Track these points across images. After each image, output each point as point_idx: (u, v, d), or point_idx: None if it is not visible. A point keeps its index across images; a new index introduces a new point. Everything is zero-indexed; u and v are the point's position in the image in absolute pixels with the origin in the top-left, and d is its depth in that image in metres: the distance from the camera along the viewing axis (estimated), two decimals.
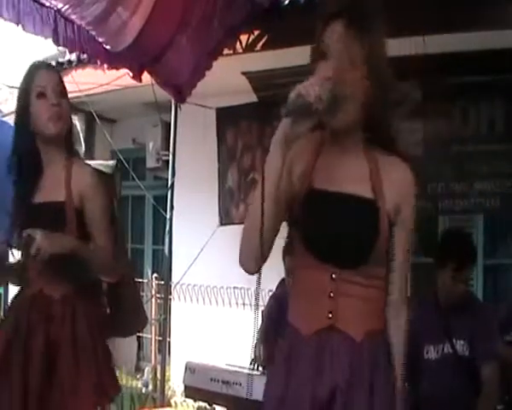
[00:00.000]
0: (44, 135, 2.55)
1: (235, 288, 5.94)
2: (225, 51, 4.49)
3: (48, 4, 3.66)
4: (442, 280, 3.28)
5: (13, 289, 8.77)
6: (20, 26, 3.49)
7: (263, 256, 1.70)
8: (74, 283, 2.50)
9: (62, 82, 2.64)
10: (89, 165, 2.69)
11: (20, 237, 2.47)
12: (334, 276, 1.72)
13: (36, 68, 2.62)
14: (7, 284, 8.59)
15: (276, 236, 1.74)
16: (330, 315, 1.72)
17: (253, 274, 1.75)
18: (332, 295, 1.72)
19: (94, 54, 4.17)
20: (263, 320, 4.47)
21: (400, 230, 1.77)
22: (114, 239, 3.39)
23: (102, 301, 2.87)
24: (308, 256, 1.75)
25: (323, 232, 1.74)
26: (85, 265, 2.47)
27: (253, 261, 1.72)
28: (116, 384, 2.62)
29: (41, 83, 2.56)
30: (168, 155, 5.18)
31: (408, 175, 1.79)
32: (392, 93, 1.78)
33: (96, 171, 2.67)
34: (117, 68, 4.32)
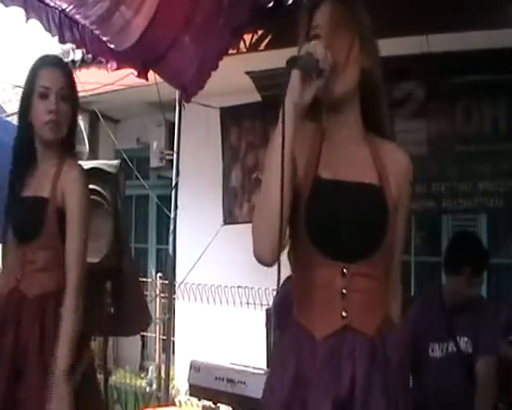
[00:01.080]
0: (40, 137, 2.53)
1: (239, 287, 5.95)
2: (229, 51, 4.50)
3: (52, 4, 3.68)
4: (455, 285, 3.28)
5: None
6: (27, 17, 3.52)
7: (281, 241, 1.58)
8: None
9: (70, 82, 2.56)
10: (79, 165, 2.60)
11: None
12: (345, 271, 1.65)
13: (43, 64, 2.55)
14: None
15: (288, 220, 1.64)
16: (344, 314, 1.65)
17: (269, 266, 1.62)
18: (344, 291, 1.65)
19: (98, 53, 4.19)
20: (268, 319, 4.49)
21: (400, 215, 1.75)
22: (117, 238, 3.41)
23: (106, 301, 2.87)
24: (315, 252, 1.66)
25: (333, 223, 1.66)
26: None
27: (270, 249, 1.58)
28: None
29: (45, 83, 2.49)
30: (172, 155, 5.19)
31: (407, 161, 1.80)
32: (380, 75, 1.77)
33: (84, 172, 2.60)
34: (121, 68, 4.33)
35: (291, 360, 1.69)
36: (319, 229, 1.67)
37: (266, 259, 1.62)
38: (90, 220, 2.55)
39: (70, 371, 2.30)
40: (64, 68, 2.61)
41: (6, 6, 3.43)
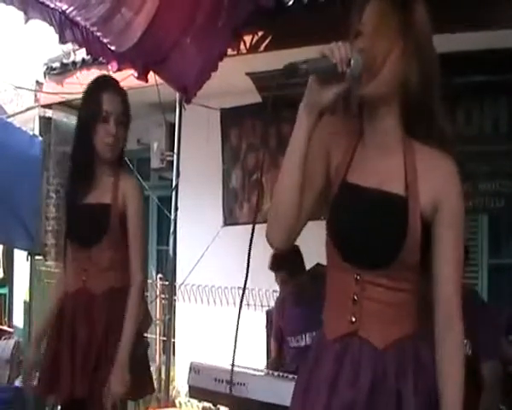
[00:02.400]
0: (99, 154, 2.79)
1: (239, 288, 5.94)
2: (229, 52, 4.49)
3: (53, 6, 3.68)
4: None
5: (17, 290, 8.73)
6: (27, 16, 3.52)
7: (292, 230, 1.66)
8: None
9: (126, 107, 2.84)
10: (134, 176, 3.06)
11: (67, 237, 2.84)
12: (358, 278, 1.63)
13: (106, 88, 2.81)
14: (11, 285, 8.63)
15: (307, 214, 1.68)
16: (353, 320, 1.63)
17: (279, 250, 1.72)
18: (356, 298, 1.63)
19: (100, 54, 4.18)
20: (267, 320, 4.49)
21: (442, 229, 1.62)
22: None
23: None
24: (335, 254, 1.67)
25: (349, 229, 1.65)
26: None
27: (278, 234, 1.66)
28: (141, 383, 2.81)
29: (108, 108, 2.76)
30: (172, 156, 5.19)
31: (449, 169, 1.64)
32: (436, 78, 1.68)
33: (139, 181, 3.03)
34: (122, 69, 4.33)
35: (309, 360, 1.72)
36: (337, 232, 1.67)
37: (276, 243, 1.69)
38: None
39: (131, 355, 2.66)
40: (123, 94, 2.88)
41: (6, 4, 3.43)
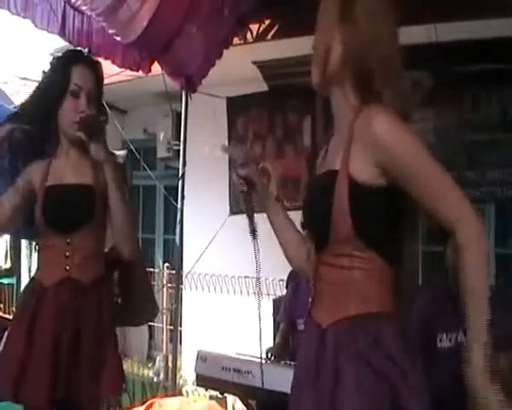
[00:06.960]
0: (65, 133, 2.51)
1: (246, 277, 5.96)
2: (236, 40, 4.48)
3: None
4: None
5: (24, 280, 8.78)
6: (26, 19, 3.51)
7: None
8: None
9: (99, 83, 2.55)
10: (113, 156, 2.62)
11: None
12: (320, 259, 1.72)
13: (75, 61, 2.53)
14: (19, 275, 8.67)
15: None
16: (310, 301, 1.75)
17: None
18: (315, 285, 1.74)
19: (101, 47, 4.17)
20: (274, 310, 4.48)
21: (401, 179, 1.56)
22: None
23: (114, 291, 2.89)
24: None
25: (305, 214, 1.77)
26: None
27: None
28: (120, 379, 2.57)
29: (78, 82, 2.47)
30: (179, 145, 5.18)
31: (377, 127, 1.54)
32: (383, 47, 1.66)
33: (115, 158, 2.65)
34: (125, 65, 4.33)
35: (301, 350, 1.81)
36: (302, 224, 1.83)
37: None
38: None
39: None
40: (96, 67, 2.58)
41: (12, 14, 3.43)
